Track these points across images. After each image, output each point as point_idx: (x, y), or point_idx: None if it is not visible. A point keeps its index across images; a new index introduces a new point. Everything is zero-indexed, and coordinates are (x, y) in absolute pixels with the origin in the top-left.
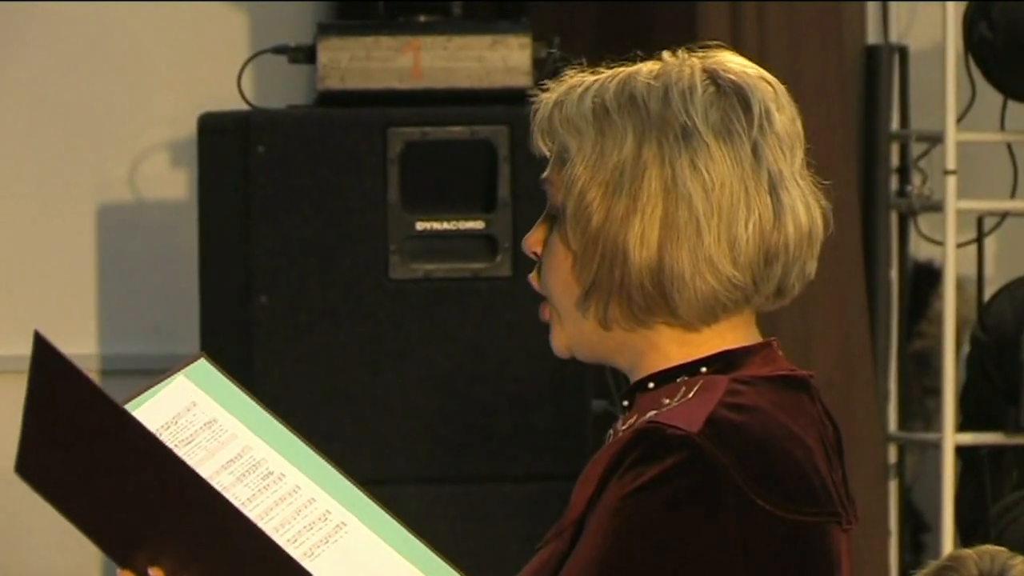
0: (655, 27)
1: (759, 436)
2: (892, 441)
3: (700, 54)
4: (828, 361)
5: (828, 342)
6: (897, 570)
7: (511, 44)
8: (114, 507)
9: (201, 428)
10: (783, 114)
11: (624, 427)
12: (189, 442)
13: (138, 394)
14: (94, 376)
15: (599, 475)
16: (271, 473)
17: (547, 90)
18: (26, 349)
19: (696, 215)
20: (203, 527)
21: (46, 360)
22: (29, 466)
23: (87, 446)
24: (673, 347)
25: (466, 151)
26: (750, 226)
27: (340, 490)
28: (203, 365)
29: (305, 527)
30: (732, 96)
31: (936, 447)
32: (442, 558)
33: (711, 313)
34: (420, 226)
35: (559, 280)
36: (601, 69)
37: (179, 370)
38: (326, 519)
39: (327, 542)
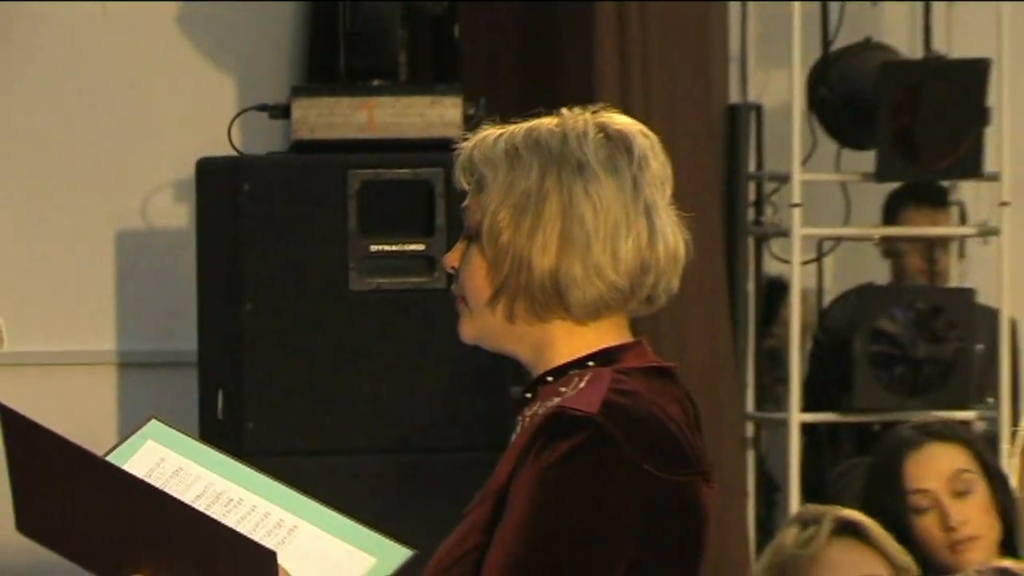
0: (560, 92)
1: (642, 415)
2: (750, 419)
3: (592, 111)
4: (700, 356)
5: (699, 341)
6: (754, 523)
7: (446, 103)
8: (98, 534)
9: (171, 476)
10: (656, 159)
11: (530, 413)
12: (163, 487)
13: (106, 455)
14: (113, 367)
15: (517, 453)
16: (231, 500)
17: (467, 139)
18: (62, 345)
19: (587, 231)
20: (175, 533)
21: (14, 425)
22: (26, 523)
23: (66, 488)
24: (565, 341)
25: (410, 189)
26: (630, 242)
27: (288, 501)
28: (158, 426)
29: (265, 534)
30: (618, 141)
31: (784, 424)
32: (383, 535)
33: (597, 312)
34: (374, 248)
35: (474, 284)
36: (512, 123)
37: (140, 434)
38: (280, 526)
39: (284, 543)
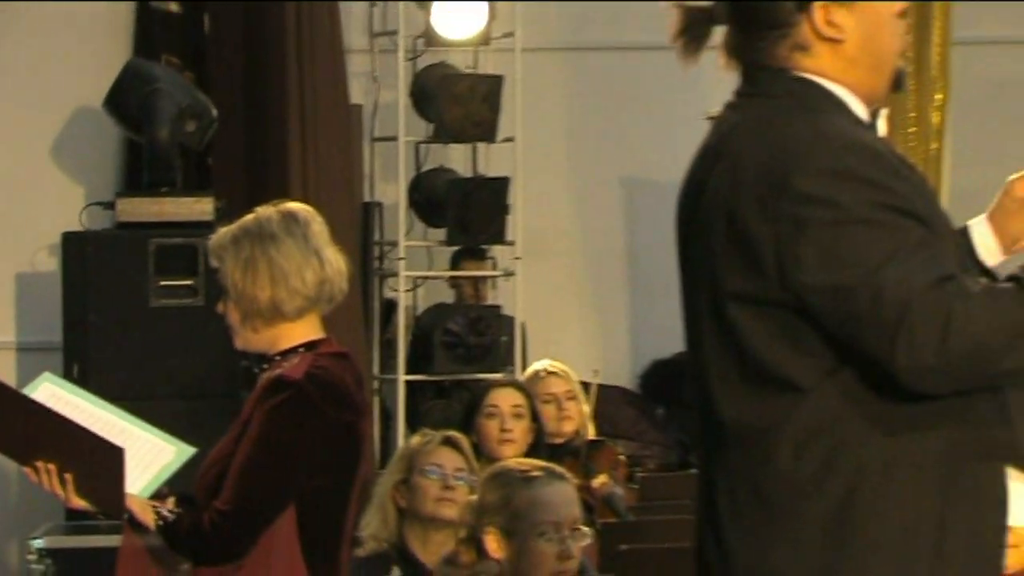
0: (267, 185)
1: (328, 380)
2: (376, 379)
3: (275, 204)
4: (348, 344)
5: (347, 335)
6: (379, 447)
7: (204, 201)
8: (13, 432)
9: (62, 403)
10: (316, 223)
11: (264, 377)
12: (57, 409)
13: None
14: (13, 351)
15: (254, 401)
16: (94, 415)
17: (214, 234)
18: None
19: (284, 271)
20: (60, 435)
21: None
22: None
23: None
24: (285, 336)
25: (183, 249)
26: (310, 271)
27: (123, 416)
28: (50, 376)
29: (113, 435)
30: (290, 217)
31: (396, 381)
32: (177, 437)
33: (301, 315)
34: (163, 283)
35: (232, 318)
36: (237, 218)
37: (38, 380)
38: (120, 430)
39: (123, 439)
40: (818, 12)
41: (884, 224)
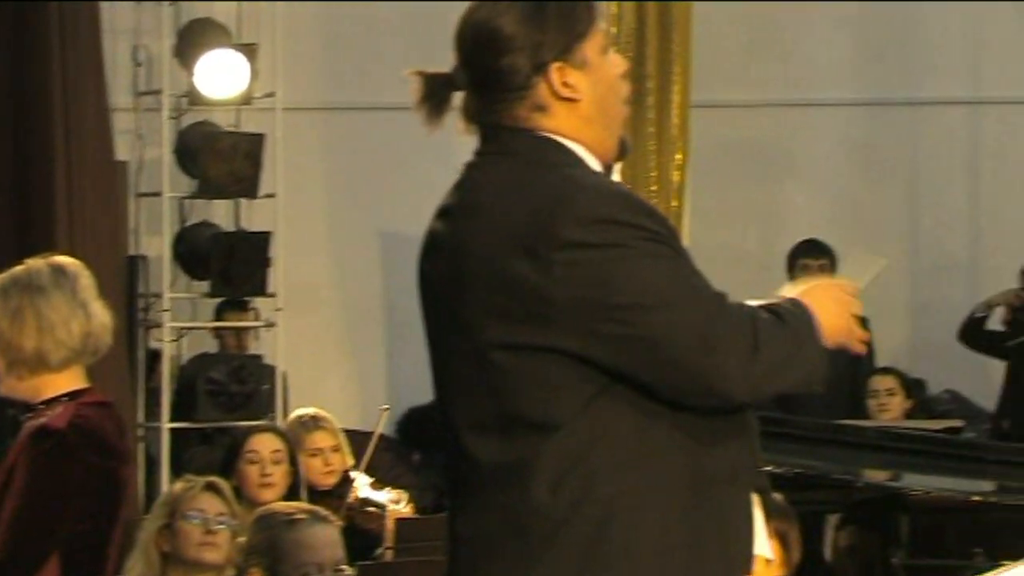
0: (35, 239)
1: (91, 427)
2: (140, 427)
3: (44, 257)
4: (113, 392)
5: (112, 383)
6: (143, 494)
7: None
8: None
9: None
10: (84, 276)
11: (29, 425)
12: None
13: None
14: None
15: (17, 450)
16: None
17: None
18: None
19: (51, 322)
20: None
21: None
22: None
23: None
24: (50, 385)
25: None
26: (75, 323)
27: None
28: None
29: None
30: (58, 270)
31: (159, 428)
32: None
33: (66, 365)
34: None
35: None
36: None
37: None
38: None
39: None
40: (555, 74)
41: (657, 256)
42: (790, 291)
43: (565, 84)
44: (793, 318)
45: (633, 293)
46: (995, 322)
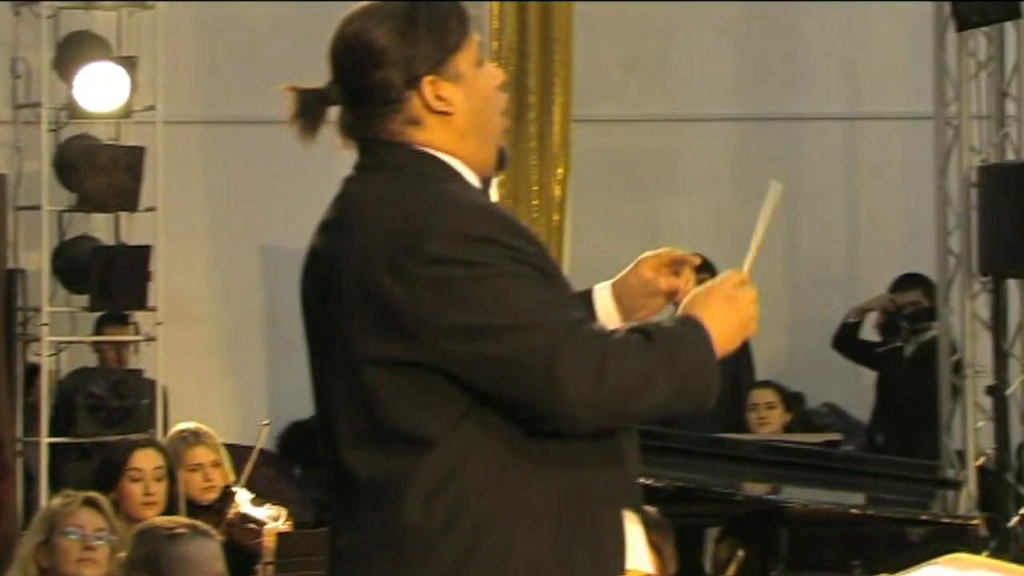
0: None
1: None
2: (19, 441)
3: None
4: None
5: None
6: (22, 509)
7: None
8: None
9: None
10: None
11: None
12: None
13: None
14: None
15: None
16: None
17: None
18: None
19: None
20: None
21: None
22: None
23: None
24: None
25: None
26: None
27: None
28: None
29: None
30: None
31: (38, 443)
32: None
33: None
34: None
35: None
36: None
37: None
38: None
39: None
40: (427, 87)
41: (519, 276)
42: (685, 300)
43: (438, 97)
44: (665, 338)
45: (489, 313)
46: (868, 331)
